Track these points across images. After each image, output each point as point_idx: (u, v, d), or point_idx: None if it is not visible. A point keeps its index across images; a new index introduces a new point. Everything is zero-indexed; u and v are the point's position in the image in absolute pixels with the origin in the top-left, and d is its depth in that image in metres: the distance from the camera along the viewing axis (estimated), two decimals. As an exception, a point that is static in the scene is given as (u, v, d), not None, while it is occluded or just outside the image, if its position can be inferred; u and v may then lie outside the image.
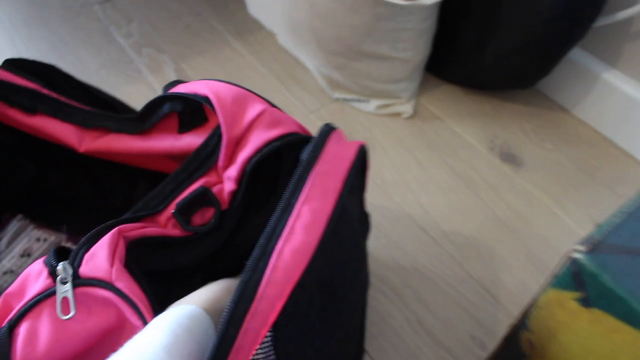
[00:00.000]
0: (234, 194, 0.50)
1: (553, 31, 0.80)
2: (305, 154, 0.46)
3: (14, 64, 0.61)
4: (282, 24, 1.00)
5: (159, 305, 0.43)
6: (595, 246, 0.34)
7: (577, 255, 0.34)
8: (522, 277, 0.76)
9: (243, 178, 0.49)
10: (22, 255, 0.74)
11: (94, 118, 0.59)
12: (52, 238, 0.77)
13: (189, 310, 0.38)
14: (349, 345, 0.60)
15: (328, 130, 0.48)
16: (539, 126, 0.94)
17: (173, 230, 0.47)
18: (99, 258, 0.42)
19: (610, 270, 0.33)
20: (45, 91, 0.60)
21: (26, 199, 0.78)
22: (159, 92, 0.98)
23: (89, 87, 0.65)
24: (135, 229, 0.45)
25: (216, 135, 0.50)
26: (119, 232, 0.44)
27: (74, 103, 0.61)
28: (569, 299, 0.37)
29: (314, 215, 0.41)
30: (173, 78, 1.01)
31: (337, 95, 0.96)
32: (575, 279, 0.35)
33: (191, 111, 0.53)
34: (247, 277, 0.37)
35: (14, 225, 0.76)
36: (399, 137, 0.93)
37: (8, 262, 0.73)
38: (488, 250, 0.78)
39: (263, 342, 0.40)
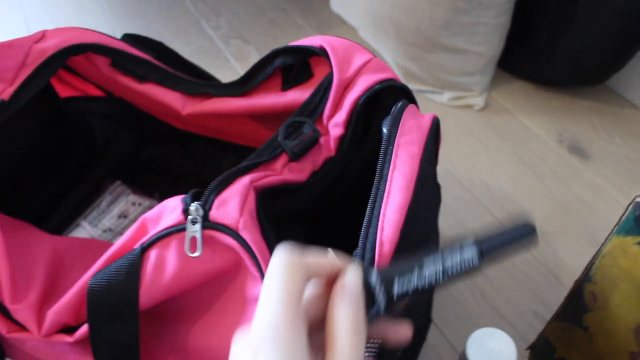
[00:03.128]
0: (341, 138, 0.53)
1: (629, 26, 0.82)
2: (385, 127, 0.50)
3: (131, 38, 0.69)
4: (363, 17, 1.06)
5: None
6: (657, 191, 0.38)
7: (641, 199, 0.38)
8: (586, 260, 0.78)
9: (351, 120, 0.52)
10: (120, 217, 0.82)
11: (198, 86, 0.65)
12: (146, 203, 0.84)
13: None
14: (422, 310, 0.64)
15: (403, 104, 0.53)
16: (608, 122, 0.97)
17: (290, 176, 0.50)
18: (230, 206, 0.44)
19: (671, 212, 0.37)
20: (156, 62, 0.67)
21: (125, 168, 0.85)
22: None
23: (192, 63, 0.72)
24: (262, 179, 0.48)
25: (322, 89, 0.54)
26: (250, 183, 0.47)
27: (179, 74, 0.67)
28: (631, 243, 0.41)
29: (404, 178, 0.45)
30: (258, 66, 1.08)
31: (412, 86, 1.01)
32: (638, 222, 0.39)
33: (298, 67, 0.58)
34: (364, 240, 0.42)
35: (113, 190, 0.84)
36: (470, 127, 0.97)
37: (108, 222, 0.81)
38: (553, 235, 0.81)
39: None
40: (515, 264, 0.78)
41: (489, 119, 0.98)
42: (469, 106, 1.00)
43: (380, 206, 0.44)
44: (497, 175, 0.89)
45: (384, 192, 0.45)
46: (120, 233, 0.79)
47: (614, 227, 0.43)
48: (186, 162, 0.84)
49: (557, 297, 0.74)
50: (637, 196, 0.39)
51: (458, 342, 0.71)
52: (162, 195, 0.83)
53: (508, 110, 0.99)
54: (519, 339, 0.71)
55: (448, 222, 0.83)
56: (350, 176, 0.55)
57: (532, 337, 0.70)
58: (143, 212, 0.82)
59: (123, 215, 0.82)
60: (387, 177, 0.46)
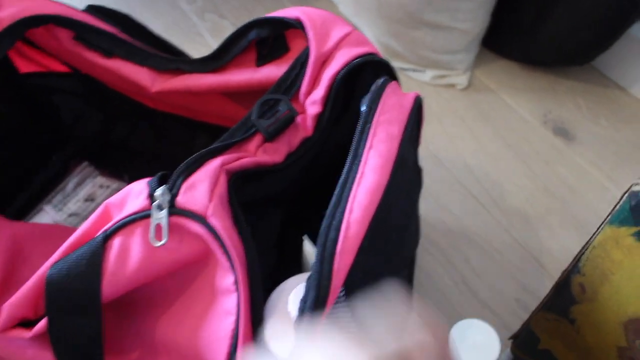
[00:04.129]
0: (319, 117, 0.50)
1: (618, 5, 0.80)
2: (365, 104, 0.48)
3: (95, 10, 0.65)
4: (343, -8, 1.02)
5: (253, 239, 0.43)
6: (656, 180, 0.36)
7: (638, 188, 0.36)
8: (569, 246, 0.77)
9: (330, 97, 0.50)
10: (86, 200, 0.78)
11: (167, 61, 0.62)
12: (114, 185, 0.80)
13: None
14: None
15: (385, 81, 0.50)
16: (594, 103, 0.95)
17: (264, 157, 0.47)
18: (198, 191, 0.42)
19: (670, 203, 0.35)
20: (122, 36, 0.63)
21: (93, 148, 0.82)
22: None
23: (161, 38, 0.68)
24: (234, 161, 0.45)
25: (299, 64, 0.51)
26: (222, 165, 0.44)
27: (148, 49, 0.64)
28: (625, 235, 0.38)
29: (381, 159, 0.43)
30: (233, 42, 1.04)
31: (393, 64, 0.97)
32: (634, 212, 0.37)
33: (273, 40, 0.55)
34: (328, 222, 0.40)
35: (80, 171, 0.80)
36: (453, 107, 0.94)
37: (73, 205, 0.77)
38: (536, 218, 0.79)
39: None
40: (497, 249, 0.76)
41: (472, 99, 0.95)
42: (452, 85, 0.97)
43: (351, 187, 0.41)
44: (479, 157, 0.87)
45: (356, 172, 0.42)
46: (86, 218, 0.76)
47: (607, 216, 0.40)
48: (157, 143, 0.80)
49: (540, 284, 0.73)
50: (633, 184, 0.37)
51: (439, 330, 0.69)
52: (132, 177, 0.80)
53: (492, 90, 0.97)
54: (502, 327, 0.69)
55: (428, 205, 0.81)
56: (328, 157, 0.53)
57: (514, 325, 0.69)
58: (111, 194, 0.78)
59: (90, 199, 0.78)
60: (361, 156, 0.43)
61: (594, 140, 0.89)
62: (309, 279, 0.39)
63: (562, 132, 0.90)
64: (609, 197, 0.82)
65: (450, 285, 0.73)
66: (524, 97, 0.96)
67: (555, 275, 0.73)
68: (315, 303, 0.38)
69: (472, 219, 0.79)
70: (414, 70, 0.97)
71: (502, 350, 0.65)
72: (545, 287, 0.72)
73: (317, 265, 0.38)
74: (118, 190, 0.81)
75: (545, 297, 0.53)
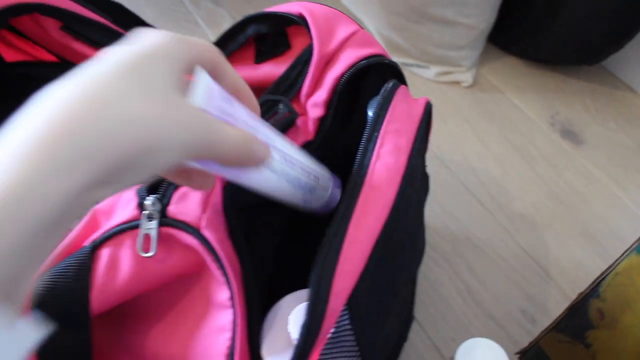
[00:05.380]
0: (321, 120, 0.48)
1: (631, 3, 0.77)
2: (372, 109, 0.45)
3: (84, -2, 0.61)
4: (345, -18, 0.99)
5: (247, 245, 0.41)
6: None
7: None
8: (577, 254, 0.74)
9: (333, 100, 0.48)
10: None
11: (162, 55, 0.59)
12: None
13: None
14: (404, 307, 0.59)
15: (394, 86, 0.47)
16: (603, 105, 0.91)
17: None
18: (191, 201, 0.40)
19: None
20: (113, 27, 0.60)
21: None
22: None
23: (154, 28, 0.65)
24: None
25: (300, 63, 0.48)
26: None
27: (142, 41, 0.60)
28: (656, 264, 0.35)
29: (388, 172, 0.41)
30: (230, 32, 1.01)
31: (396, 59, 0.94)
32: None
33: (273, 37, 0.52)
34: (330, 239, 0.37)
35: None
36: (457, 106, 0.91)
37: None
38: (543, 225, 0.77)
39: None
40: (502, 257, 0.73)
41: (477, 98, 0.92)
42: (457, 83, 0.94)
43: (354, 204, 0.38)
44: (484, 159, 0.84)
45: (360, 187, 0.39)
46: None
47: (634, 243, 0.37)
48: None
49: (546, 295, 0.70)
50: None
51: (442, 342, 0.66)
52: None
53: (498, 89, 0.93)
54: (506, 339, 0.67)
55: (432, 209, 0.77)
56: (331, 163, 0.50)
57: (520, 337, 0.66)
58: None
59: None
60: (367, 167, 0.41)
61: (602, 144, 0.86)
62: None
63: (570, 135, 0.87)
64: (617, 204, 0.79)
65: (454, 295, 0.70)
66: (530, 97, 0.92)
67: (563, 285, 0.71)
68: (309, 326, 0.35)
69: (477, 224, 0.76)
70: (418, 66, 0.94)
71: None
72: (552, 297, 0.70)
73: (313, 287, 0.36)
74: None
75: (558, 317, 0.50)
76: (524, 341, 0.64)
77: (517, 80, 0.95)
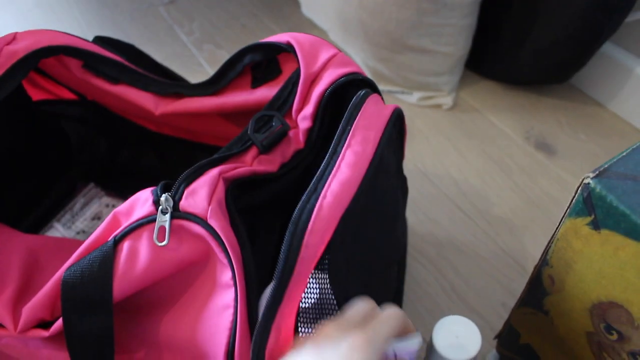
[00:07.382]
0: (309, 131, 0.55)
1: (589, 23, 0.85)
2: (347, 111, 0.52)
3: (102, 40, 0.70)
4: (333, 20, 1.08)
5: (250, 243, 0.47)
6: (603, 173, 0.40)
7: (588, 181, 0.40)
8: (553, 252, 0.81)
9: (318, 112, 0.54)
10: (93, 219, 0.82)
11: (169, 86, 0.67)
12: (119, 204, 0.85)
13: None
14: (388, 290, 0.65)
15: (366, 93, 0.55)
16: (573, 118, 1.00)
17: (259, 167, 0.52)
18: (199, 196, 0.45)
19: (616, 192, 0.39)
20: (128, 64, 0.68)
21: (99, 171, 0.86)
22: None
23: (163, 66, 0.73)
24: (231, 170, 0.49)
25: (290, 84, 0.56)
26: (220, 174, 0.48)
27: (151, 76, 0.69)
28: (582, 225, 0.43)
29: (357, 157, 0.48)
30: (231, 70, 1.10)
31: (382, 87, 1.03)
32: (587, 203, 0.41)
33: (267, 63, 0.60)
34: (303, 204, 0.44)
35: (86, 192, 0.85)
36: (439, 126, 0.99)
37: (81, 224, 0.81)
38: (521, 228, 0.84)
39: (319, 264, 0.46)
40: (483, 257, 0.80)
41: (457, 118, 1.01)
42: (438, 106, 1.02)
43: (327, 178, 0.46)
44: (465, 172, 0.92)
45: (333, 166, 0.46)
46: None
47: (566, 209, 0.45)
48: (159, 164, 0.85)
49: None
50: (585, 177, 0.41)
51: (429, 335, 0.72)
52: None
53: (476, 109, 1.02)
54: (489, 329, 0.73)
55: (418, 218, 0.85)
56: (318, 166, 0.57)
57: (501, 326, 0.72)
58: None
59: (96, 217, 0.82)
60: (339, 153, 0.47)
61: (574, 154, 0.94)
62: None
63: (544, 147, 0.95)
64: (588, 206, 0.86)
65: (440, 292, 0.77)
66: (507, 115, 1.01)
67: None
68: (282, 273, 0.42)
69: (460, 230, 0.84)
70: (402, 93, 1.03)
71: (487, 350, 0.69)
72: (529, 291, 0.76)
73: (287, 240, 0.42)
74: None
75: (522, 293, 0.57)
76: (503, 328, 0.70)
77: (494, 101, 1.03)
